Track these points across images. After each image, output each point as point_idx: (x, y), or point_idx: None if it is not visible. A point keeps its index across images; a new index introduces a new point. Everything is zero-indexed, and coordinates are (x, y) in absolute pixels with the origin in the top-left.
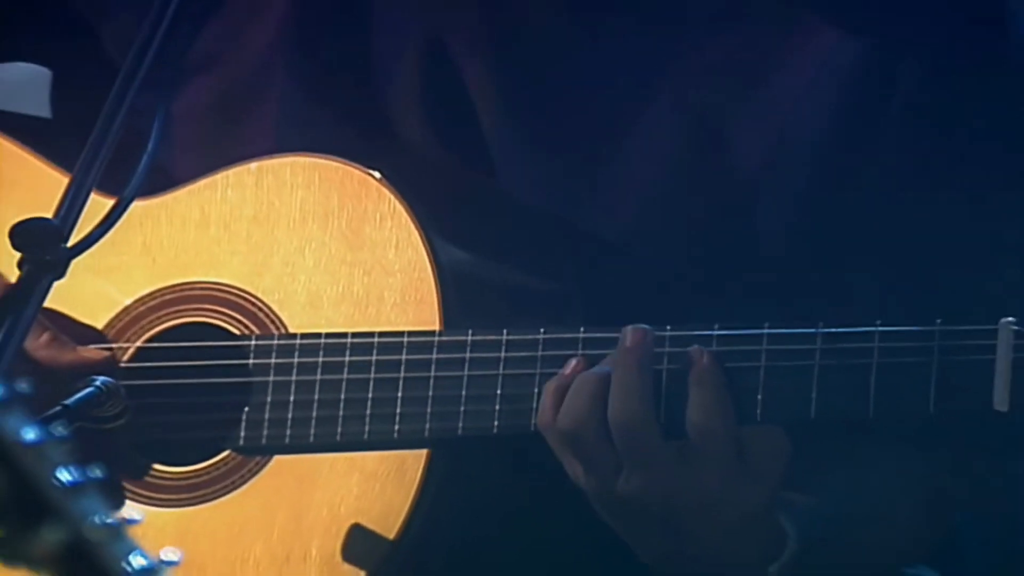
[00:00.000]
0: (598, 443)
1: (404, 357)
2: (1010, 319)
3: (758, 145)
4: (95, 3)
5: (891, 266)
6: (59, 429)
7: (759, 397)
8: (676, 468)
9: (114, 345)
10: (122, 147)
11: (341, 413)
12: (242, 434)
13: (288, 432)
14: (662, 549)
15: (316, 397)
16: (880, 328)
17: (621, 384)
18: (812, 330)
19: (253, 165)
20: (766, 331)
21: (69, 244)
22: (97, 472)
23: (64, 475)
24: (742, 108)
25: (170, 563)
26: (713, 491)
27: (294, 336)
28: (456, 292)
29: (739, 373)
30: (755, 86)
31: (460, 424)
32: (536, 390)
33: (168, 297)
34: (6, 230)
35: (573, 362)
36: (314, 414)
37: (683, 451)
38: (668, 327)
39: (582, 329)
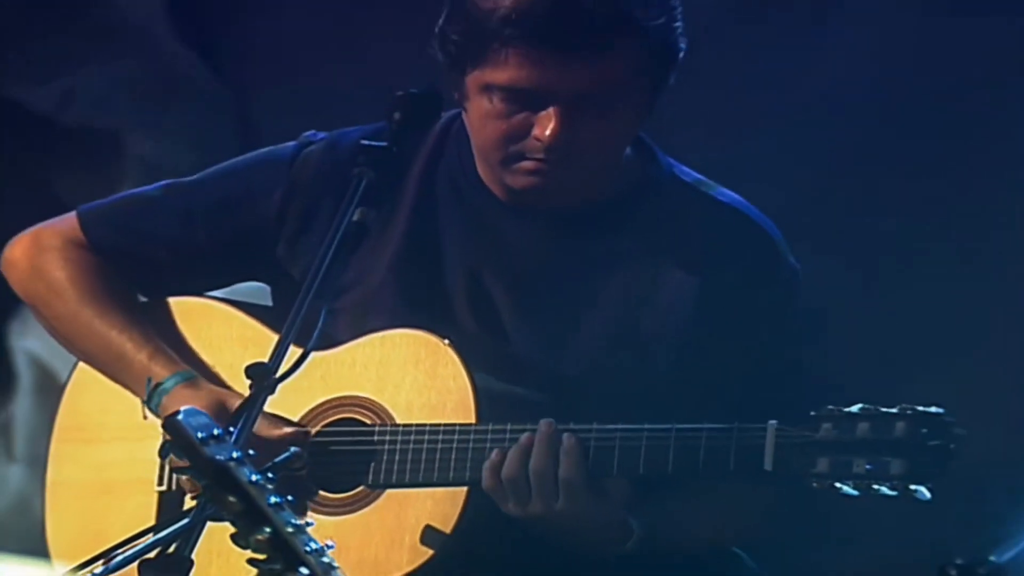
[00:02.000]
0: (522, 485)
1: (457, 439)
2: (774, 422)
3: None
4: (291, 255)
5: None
6: (270, 475)
7: (615, 461)
8: (562, 499)
9: (303, 429)
10: (305, 323)
11: (422, 468)
12: (370, 477)
13: (394, 477)
14: (561, 538)
15: (409, 460)
16: (676, 426)
17: (537, 452)
18: (637, 427)
19: (379, 335)
20: (618, 427)
21: (276, 375)
22: (289, 497)
23: (273, 499)
24: (644, 311)
25: (330, 547)
26: (581, 511)
27: (399, 425)
28: (485, 405)
29: (602, 449)
30: (644, 304)
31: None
32: None
33: (333, 404)
34: (245, 368)
35: (519, 443)
36: (408, 467)
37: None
38: (571, 423)
39: (509, 424)
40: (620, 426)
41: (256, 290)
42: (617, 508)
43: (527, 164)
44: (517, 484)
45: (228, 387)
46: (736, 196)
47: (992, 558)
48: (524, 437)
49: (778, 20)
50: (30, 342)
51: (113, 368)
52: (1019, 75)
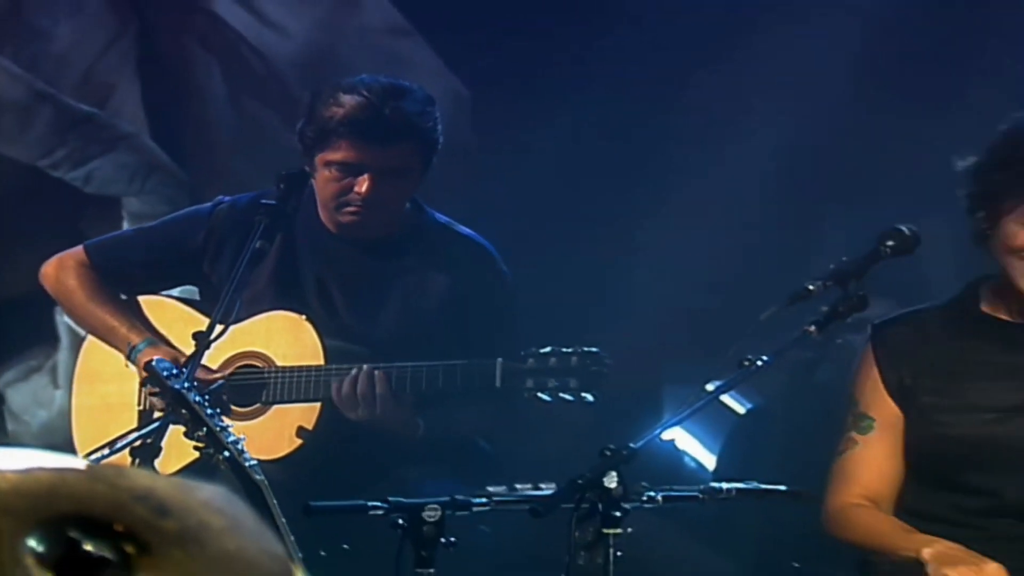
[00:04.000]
0: (353, 401)
1: (314, 374)
2: (500, 359)
3: None
4: (211, 270)
5: None
6: (206, 397)
7: (407, 385)
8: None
9: (224, 372)
10: (224, 309)
11: (294, 391)
12: (263, 398)
13: (278, 397)
14: (378, 431)
15: (286, 387)
16: (443, 363)
17: (361, 381)
18: (419, 364)
19: (266, 315)
20: (408, 364)
21: (210, 339)
22: (217, 410)
23: (209, 411)
24: (419, 300)
25: (241, 439)
26: (388, 415)
27: (279, 367)
28: (328, 354)
29: (399, 379)
30: None
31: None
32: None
33: (240, 356)
34: (192, 334)
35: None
36: (286, 391)
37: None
38: (379, 364)
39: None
40: (409, 363)
41: (189, 291)
42: (410, 412)
43: (350, 209)
44: (351, 400)
45: (176, 348)
46: (470, 230)
47: (631, 444)
48: (353, 372)
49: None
50: (66, 318)
51: (107, 337)
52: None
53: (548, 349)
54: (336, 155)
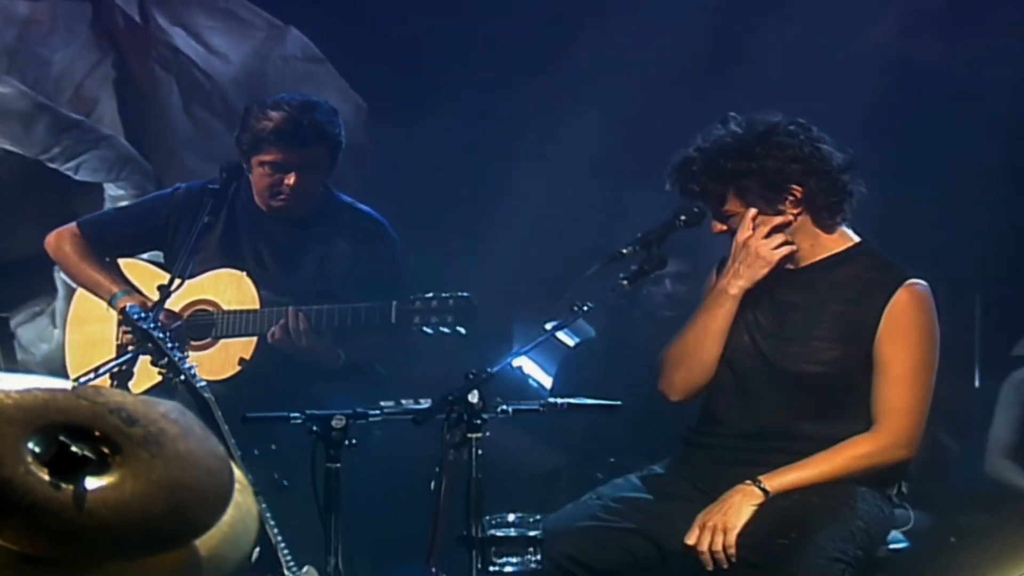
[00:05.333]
0: (285, 338)
1: (253, 315)
2: (395, 301)
3: None
4: (172, 239)
5: None
6: (168, 335)
7: (323, 323)
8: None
9: (181, 315)
10: (184, 266)
11: (237, 328)
12: (213, 333)
13: (224, 333)
14: (306, 360)
15: (231, 325)
16: (352, 305)
17: (290, 320)
18: (332, 305)
19: (215, 272)
20: (324, 307)
21: (171, 289)
22: (177, 344)
23: (170, 344)
24: (329, 264)
25: (194, 366)
26: (314, 346)
27: (226, 310)
28: (263, 300)
29: (319, 317)
30: None
31: (269, 330)
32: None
33: (195, 303)
34: (157, 286)
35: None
36: (231, 328)
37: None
38: (302, 307)
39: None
40: (325, 305)
41: (155, 255)
42: (331, 345)
43: (281, 197)
44: (284, 337)
45: (145, 297)
46: (367, 207)
47: (489, 369)
48: (286, 313)
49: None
50: (62, 275)
51: (93, 289)
52: None
53: (431, 294)
54: (268, 157)
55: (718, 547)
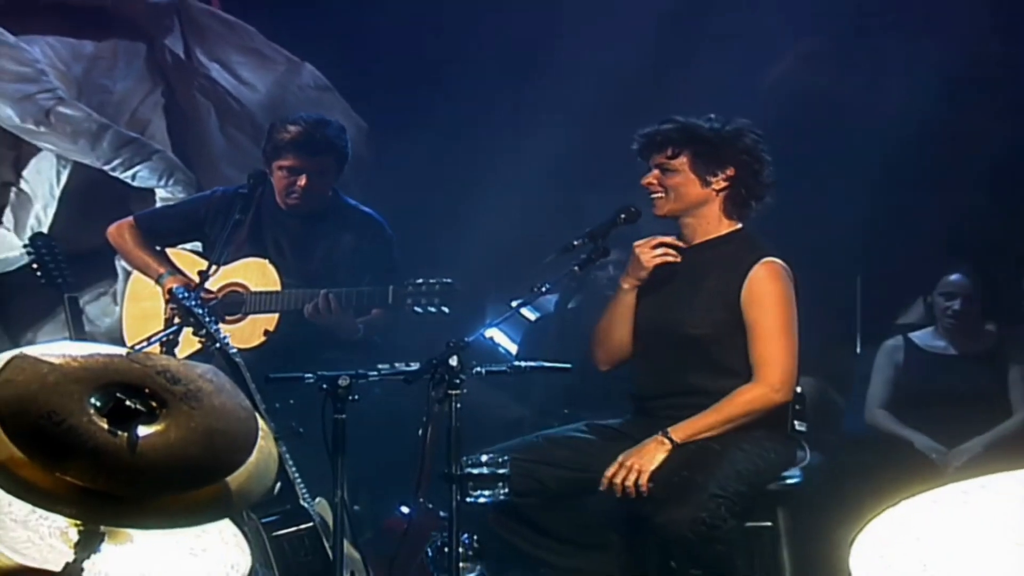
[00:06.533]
0: (315, 313)
1: (276, 295)
2: (392, 286)
3: None
4: (211, 232)
5: None
6: (207, 309)
7: (342, 302)
8: (332, 318)
9: (215, 296)
10: (219, 255)
11: (263, 306)
12: (243, 310)
13: (252, 310)
14: (333, 332)
15: (258, 303)
16: (366, 288)
17: (321, 300)
18: (351, 288)
19: (243, 260)
20: (343, 290)
21: (209, 274)
22: (213, 318)
23: (207, 319)
24: (335, 253)
25: (228, 336)
26: (340, 322)
27: (253, 291)
28: (283, 284)
29: (342, 298)
30: None
31: (291, 308)
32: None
33: (228, 285)
34: (197, 271)
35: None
36: (258, 306)
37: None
38: (330, 290)
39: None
40: (340, 289)
41: (196, 246)
42: (353, 320)
43: (294, 196)
44: (316, 314)
45: (188, 278)
46: (368, 208)
47: (466, 339)
48: (319, 295)
49: None
50: (121, 261)
51: (145, 272)
52: None
53: (420, 280)
54: (285, 162)
55: (630, 483)
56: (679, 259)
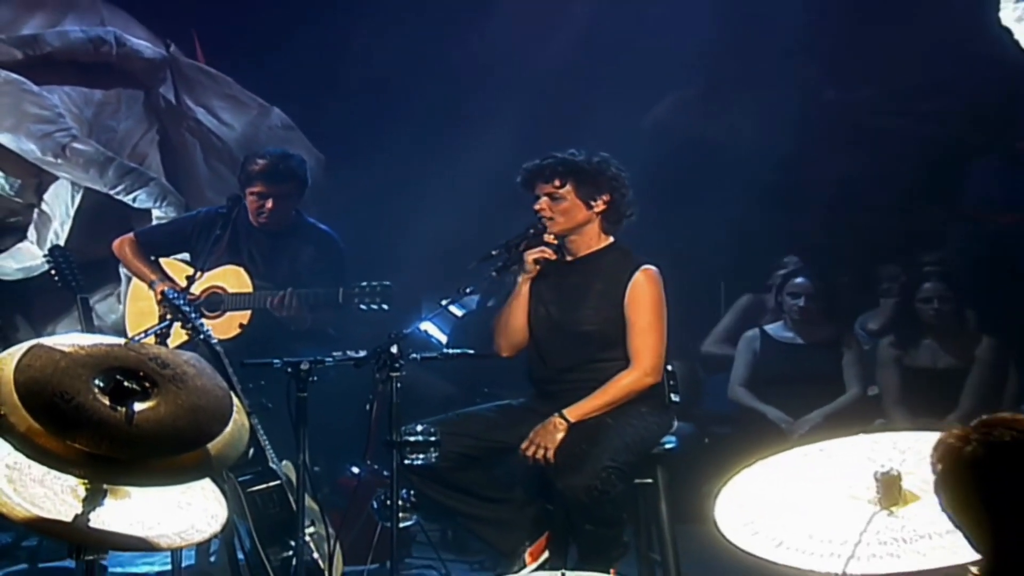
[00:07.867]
0: (281, 307)
1: (248, 296)
2: (342, 288)
3: None
4: (196, 245)
5: None
6: (192, 307)
7: (303, 302)
8: (293, 311)
9: (201, 297)
10: (203, 263)
11: (238, 304)
12: (221, 308)
13: (230, 307)
14: (297, 327)
15: (235, 302)
16: (321, 289)
17: (288, 296)
18: (312, 290)
19: (222, 267)
20: (305, 291)
21: (194, 278)
22: (198, 313)
23: (193, 314)
24: (296, 263)
25: (210, 329)
26: (303, 317)
27: (231, 292)
28: (255, 286)
29: (302, 297)
30: None
31: (269, 305)
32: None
33: (210, 287)
34: (184, 276)
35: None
36: (234, 304)
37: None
38: (291, 289)
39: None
40: (300, 290)
41: (185, 256)
42: (305, 314)
43: (263, 216)
44: (280, 306)
45: (176, 283)
46: (325, 226)
47: (404, 331)
48: (282, 293)
49: None
50: (123, 268)
51: (142, 278)
52: None
53: (364, 283)
54: (255, 189)
55: (539, 456)
56: (555, 257)
